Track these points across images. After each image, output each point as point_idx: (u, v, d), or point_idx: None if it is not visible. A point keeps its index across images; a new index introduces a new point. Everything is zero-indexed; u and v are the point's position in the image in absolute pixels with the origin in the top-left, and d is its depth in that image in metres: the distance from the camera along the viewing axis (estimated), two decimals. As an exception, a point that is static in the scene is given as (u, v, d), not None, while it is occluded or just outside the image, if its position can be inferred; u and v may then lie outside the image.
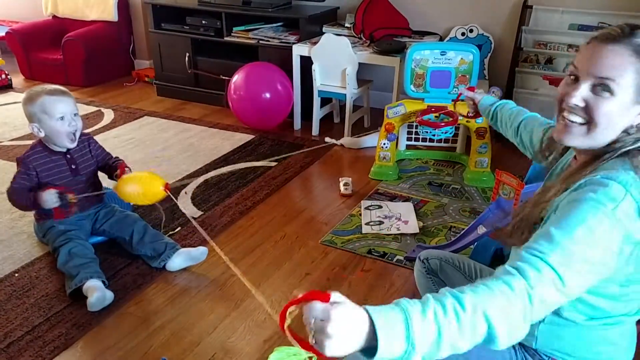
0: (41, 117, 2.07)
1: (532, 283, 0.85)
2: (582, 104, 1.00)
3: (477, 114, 1.77)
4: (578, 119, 1.01)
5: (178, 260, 2.14)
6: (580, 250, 0.89)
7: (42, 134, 2.10)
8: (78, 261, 2.03)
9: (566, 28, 3.29)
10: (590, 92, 0.99)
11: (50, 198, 2.02)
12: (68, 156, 2.18)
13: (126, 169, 2.23)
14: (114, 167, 2.29)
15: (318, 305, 0.77)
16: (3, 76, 4.37)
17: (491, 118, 1.64)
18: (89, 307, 1.90)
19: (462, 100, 1.85)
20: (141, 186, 1.51)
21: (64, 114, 2.08)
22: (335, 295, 0.78)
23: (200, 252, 2.17)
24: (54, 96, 2.08)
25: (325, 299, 0.77)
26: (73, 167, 2.19)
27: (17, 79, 4.63)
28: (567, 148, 1.19)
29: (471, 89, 1.80)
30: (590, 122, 1.00)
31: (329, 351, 0.76)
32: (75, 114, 2.12)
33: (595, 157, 1.02)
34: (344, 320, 0.75)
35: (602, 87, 0.97)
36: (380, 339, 0.75)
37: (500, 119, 1.60)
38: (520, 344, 1.13)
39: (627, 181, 0.94)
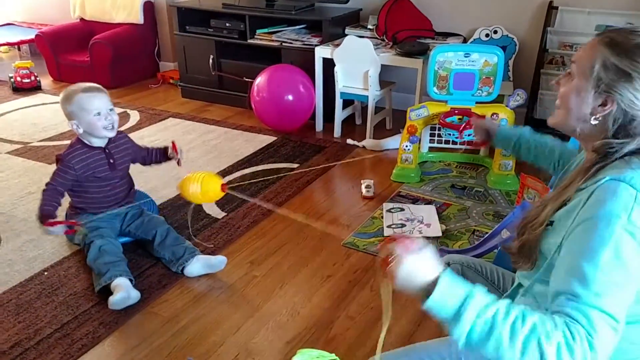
0: (79, 114, 2.14)
1: (590, 332, 0.85)
2: (557, 85, 1.12)
3: (484, 142, 1.69)
4: (557, 101, 1.12)
5: (196, 267, 2.16)
6: (614, 278, 0.89)
7: (80, 130, 2.18)
8: (108, 259, 2.08)
9: (592, 29, 3.23)
10: (565, 77, 1.10)
11: (55, 230, 2.05)
12: (107, 151, 2.25)
13: (177, 147, 2.36)
14: (163, 149, 2.41)
15: (407, 243, 0.94)
16: (32, 78, 4.48)
17: (513, 149, 1.57)
18: (111, 305, 1.95)
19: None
20: (201, 185, 1.57)
21: (100, 109, 2.15)
22: (422, 243, 0.95)
23: (219, 260, 2.18)
24: (90, 93, 2.15)
25: (415, 244, 0.95)
26: (111, 161, 2.26)
27: (46, 81, 4.74)
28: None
29: (481, 117, 1.74)
30: (559, 103, 1.10)
31: (396, 277, 0.93)
32: (110, 109, 2.19)
33: (596, 160, 1.03)
34: (417, 261, 0.92)
35: (570, 70, 1.07)
36: (436, 288, 0.89)
37: (527, 150, 1.54)
38: None
39: (635, 178, 0.94)
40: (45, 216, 2.07)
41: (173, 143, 2.41)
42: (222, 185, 1.60)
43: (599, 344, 0.84)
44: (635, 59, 0.98)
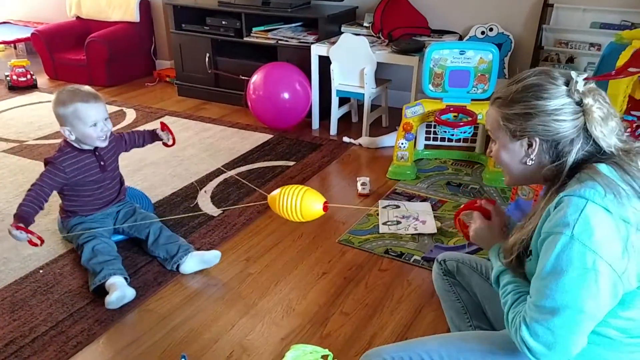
0: (74, 122, 2.10)
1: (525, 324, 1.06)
2: (490, 153, 1.26)
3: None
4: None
5: (191, 263, 2.15)
6: (572, 296, 1.00)
7: (72, 137, 2.15)
8: (102, 258, 2.08)
9: (588, 26, 3.24)
10: (492, 144, 1.25)
11: (18, 236, 1.96)
12: (97, 153, 2.23)
13: (166, 128, 2.38)
14: (151, 131, 2.41)
15: (478, 216, 1.35)
16: (28, 76, 4.48)
17: None
18: (107, 304, 1.95)
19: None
20: (300, 201, 1.39)
21: (97, 121, 2.12)
22: (493, 214, 1.34)
23: (214, 255, 2.19)
24: (87, 103, 2.09)
25: (486, 214, 1.35)
26: (102, 163, 2.25)
27: (42, 79, 4.73)
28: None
29: (491, 202, 1.45)
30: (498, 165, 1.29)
31: (472, 236, 1.36)
32: (106, 119, 2.16)
33: (549, 186, 1.14)
34: (482, 228, 1.33)
35: (491, 138, 1.23)
36: (491, 255, 1.29)
37: None
38: None
39: (583, 189, 1.02)
40: (21, 218, 2.00)
41: (162, 123, 2.42)
42: (325, 203, 1.42)
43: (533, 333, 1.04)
44: (523, 100, 1.12)
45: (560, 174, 1.11)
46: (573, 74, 1.11)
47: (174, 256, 2.15)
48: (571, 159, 1.10)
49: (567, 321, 1.00)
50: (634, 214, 1.00)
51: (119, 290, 1.96)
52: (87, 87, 2.20)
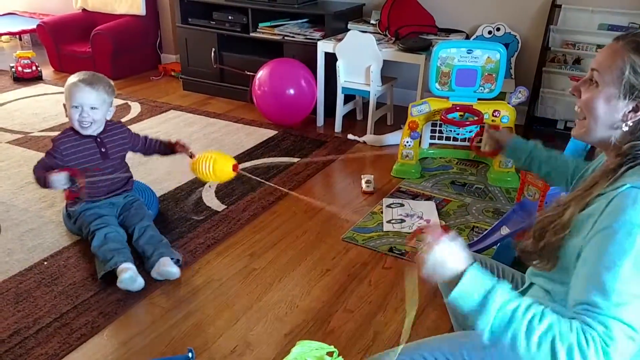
0: (66, 100, 2.16)
1: (607, 341, 0.85)
2: (576, 93, 1.08)
3: (494, 152, 1.66)
4: (577, 109, 1.08)
5: (154, 274, 2.08)
6: (634, 288, 0.88)
7: (66, 113, 2.19)
8: (113, 246, 2.09)
9: (595, 28, 3.23)
10: (585, 84, 1.06)
11: (59, 179, 2.04)
12: (98, 140, 2.24)
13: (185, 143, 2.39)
14: (167, 142, 2.42)
15: (438, 233, 0.98)
16: (33, 68, 4.47)
17: (525, 162, 1.51)
18: (119, 283, 1.96)
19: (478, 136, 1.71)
20: (213, 165, 1.62)
21: (80, 105, 2.13)
22: (453, 235, 0.99)
23: (169, 272, 2.06)
24: (81, 84, 2.12)
25: (445, 231, 1.00)
26: (103, 150, 2.25)
27: (47, 71, 4.73)
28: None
29: (496, 127, 1.66)
30: (581, 112, 1.07)
31: (425, 266, 0.97)
32: (92, 107, 2.14)
33: (620, 163, 1.01)
34: (446, 251, 0.96)
35: (591, 78, 1.04)
36: (462, 279, 0.93)
37: (539, 164, 1.48)
38: None
39: None
40: (43, 174, 2.08)
41: (178, 142, 2.39)
42: (234, 165, 1.63)
43: (614, 352, 0.85)
44: None
45: (638, 156, 0.99)
46: None
47: (149, 259, 2.11)
48: None
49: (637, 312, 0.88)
50: None
51: (132, 271, 1.97)
52: (97, 74, 2.21)
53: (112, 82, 2.26)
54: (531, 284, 1.22)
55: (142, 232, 2.20)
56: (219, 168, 1.65)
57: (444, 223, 1.22)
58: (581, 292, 0.92)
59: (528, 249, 1.13)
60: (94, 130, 2.21)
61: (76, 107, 2.13)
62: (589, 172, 1.22)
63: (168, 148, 2.43)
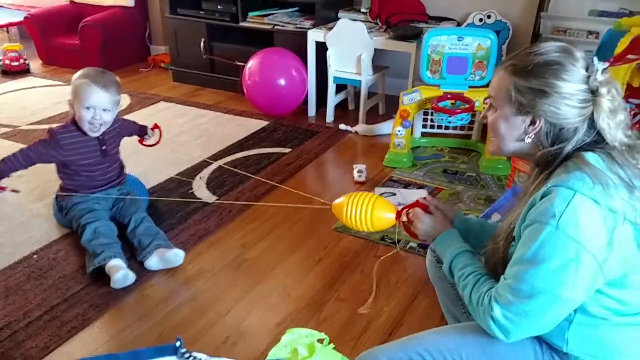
0: (74, 98, 2.12)
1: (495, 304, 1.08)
2: (484, 119, 1.21)
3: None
4: (489, 131, 1.27)
5: (154, 261, 2.07)
6: (551, 283, 1.00)
7: (72, 111, 2.16)
8: (103, 240, 2.07)
9: (586, 14, 3.23)
10: (489, 110, 1.19)
11: None
12: (100, 138, 2.22)
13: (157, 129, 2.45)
14: (142, 128, 2.47)
15: (419, 212, 1.34)
16: (21, 61, 4.42)
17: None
18: (113, 284, 1.94)
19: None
20: (370, 210, 1.32)
21: (93, 106, 2.10)
22: (432, 208, 1.34)
23: (174, 254, 2.08)
24: (94, 85, 2.08)
25: (425, 208, 1.34)
26: (103, 148, 2.24)
27: (35, 64, 4.68)
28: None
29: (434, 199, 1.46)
30: (490, 132, 1.21)
31: (419, 232, 1.34)
32: (105, 110, 2.13)
33: (540, 172, 1.12)
34: (425, 222, 1.33)
35: (491, 104, 1.18)
36: (440, 235, 1.31)
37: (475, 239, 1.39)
38: (548, 346, 1.12)
39: (572, 181, 1.00)
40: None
41: (156, 124, 2.46)
42: (398, 212, 1.34)
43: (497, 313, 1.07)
44: (542, 76, 1.06)
45: (554, 160, 1.09)
46: (595, 60, 1.07)
47: (144, 249, 2.09)
48: (570, 147, 1.08)
49: (542, 305, 1.02)
50: (622, 204, 1.00)
51: (123, 270, 1.96)
52: (110, 74, 2.18)
53: (119, 80, 2.23)
54: None
55: (138, 222, 2.19)
56: (379, 216, 1.33)
57: (423, 198, 1.35)
58: (507, 271, 1.08)
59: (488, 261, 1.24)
60: (102, 131, 2.19)
61: (88, 108, 2.10)
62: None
63: (140, 131, 2.49)
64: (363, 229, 1.35)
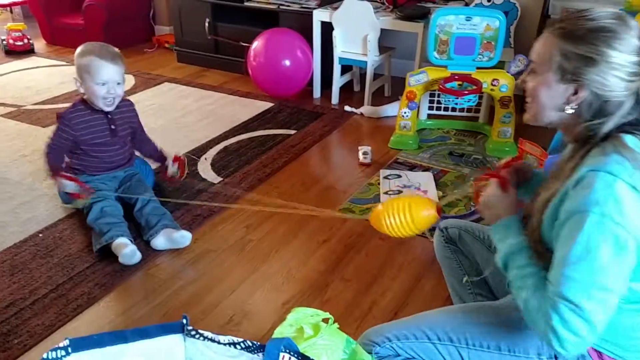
0: (84, 75, 2.10)
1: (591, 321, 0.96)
2: (523, 84, 1.15)
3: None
4: (527, 99, 1.14)
5: (160, 240, 2.08)
6: (604, 276, 0.94)
7: (82, 90, 2.15)
8: (110, 219, 2.07)
9: (597, -6, 3.16)
10: (529, 75, 1.12)
11: (69, 186, 2.11)
12: (109, 116, 2.22)
13: (181, 157, 2.38)
14: (162, 154, 2.40)
15: (494, 184, 1.20)
16: (25, 41, 4.40)
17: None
18: (122, 258, 1.95)
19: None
20: (408, 213, 1.25)
21: (106, 81, 2.10)
22: (512, 187, 1.20)
23: (180, 235, 2.08)
24: (103, 60, 2.08)
25: (504, 183, 1.20)
26: (112, 127, 2.23)
27: (39, 44, 4.66)
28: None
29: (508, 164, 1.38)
30: (529, 98, 1.13)
31: (481, 206, 1.22)
32: (118, 83, 2.13)
33: (577, 148, 1.06)
34: (495, 196, 1.19)
35: (532, 69, 1.11)
36: (497, 225, 1.17)
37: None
38: None
39: (610, 165, 0.96)
40: (55, 168, 2.12)
41: (177, 157, 2.38)
42: (438, 207, 1.28)
43: (573, 325, 0.95)
44: (593, 42, 0.99)
45: (593, 137, 1.03)
46: None
47: (151, 228, 2.10)
48: (611, 123, 1.01)
49: (599, 304, 0.95)
50: None
51: (131, 245, 1.97)
52: (113, 47, 2.17)
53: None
54: None
55: (145, 202, 2.19)
56: (417, 215, 1.26)
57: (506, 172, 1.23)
58: (559, 285, 0.97)
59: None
60: (116, 104, 2.19)
61: (103, 84, 2.09)
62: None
63: (160, 158, 2.42)
64: (409, 234, 1.28)
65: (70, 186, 2.11)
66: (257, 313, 1.79)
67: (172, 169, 2.37)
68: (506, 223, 1.14)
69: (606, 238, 0.93)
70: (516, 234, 1.11)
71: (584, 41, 1.00)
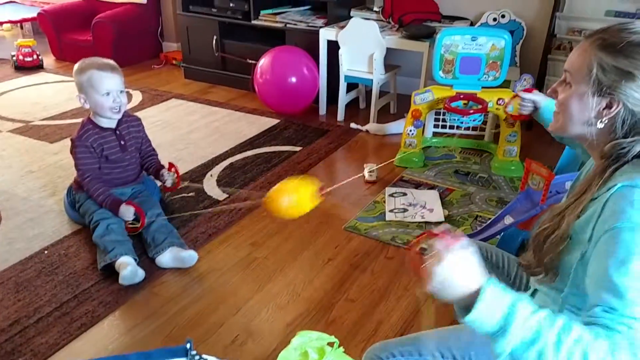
0: (88, 90, 2.13)
1: (632, 341, 0.81)
2: (554, 95, 1.09)
3: (526, 116, 1.72)
4: (556, 109, 1.10)
5: (166, 258, 2.08)
6: None
7: (87, 106, 2.18)
8: (115, 237, 2.08)
9: (602, 14, 3.18)
10: (561, 85, 1.08)
11: (127, 212, 2.16)
12: (117, 132, 2.25)
13: (173, 169, 2.39)
14: (156, 167, 2.40)
15: (449, 241, 0.84)
16: (34, 56, 4.45)
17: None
18: (121, 280, 1.94)
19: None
20: (295, 195, 1.36)
21: (110, 91, 2.14)
22: (465, 243, 0.84)
23: (188, 255, 2.08)
24: (103, 72, 2.13)
25: (457, 240, 0.84)
26: (122, 142, 2.26)
27: (48, 60, 4.70)
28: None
29: (529, 90, 1.71)
30: (557, 109, 1.09)
31: (433, 280, 0.82)
32: (121, 91, 2.18)
33: (606, 165, 1.00)
34: (460, 263, 0.82)
35: (565, 79, 1.06)
36: (479, 302, 0.80)
37: None
38: None
39: None
40: (115, 201, 2.15)
41: (170, 163, 2.41)
42: (320, 188, 1.38)
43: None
44: (633, 56, 0.96)
45: (625, 154, 0.98)
46: None
47: (157, 245, 2.10)
48: None
49: None
50: None
51: (132, 266, 1.97)
52: (106, 59, 2.21)
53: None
54: (535, 290, 1.19)
55: (154, 218, 2.20)
56: (302, 197, 1.38)
57: (453, 229, 0.91)
58: (596, 296, 0.88)
59: (530, 264, 1.11)
60: (122, 112, 2.22)
61: (107, 94, 2.13)
62: (580, 178, 1.20)
63: (156, 174, 2.41)
64: (298, 213, 1.36)
65: (129, 214, 2.15)
66: (262, 333, 1.78)
67: (169, 178, 2.37)
68: (492, 286, 0.82)
69: None
70: (507, 291, 0.83)
71: (625, 54, 0.96)
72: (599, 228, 0.93)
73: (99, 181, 2.20)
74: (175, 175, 2.39)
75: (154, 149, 2.46)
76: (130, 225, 2.18)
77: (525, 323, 0.80)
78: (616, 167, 0.98)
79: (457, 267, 0.82)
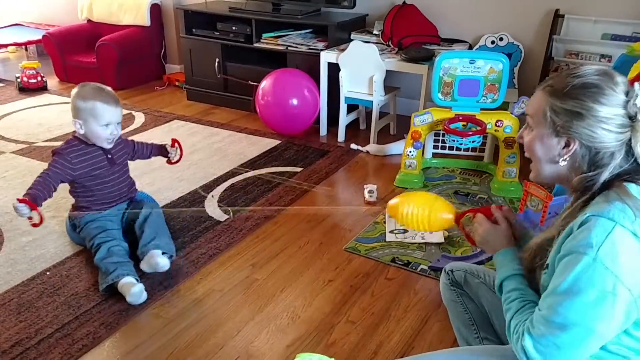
0: (88, 118, 2.16)
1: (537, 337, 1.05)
2: (521, 140, 1.22)
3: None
4: (526, 154, 1.21)
5: (144, 264, 2.13)
6: (586, 316, 0.98)
7: (82, 131, 2.20)
8: (116, 259, 2.10)
9: (599, 38, 3.23)
10: (525, 130, 1.20)
11: (20, 209, 1.98)
12: (104, 148, 2.27)
13: (176, 144, 2.46)
14: (160, 146, 2.48)
15: (482, 219, 1.34)
16: (39, 78, 4.50)
17: None
18: (130, 297, 1.96)
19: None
20: (428, 210, 1.34)
21: (110, 123, 2.18)
22: (499, 217, 1.33)
23: (158, 263, 2.08)
24: (107, 104, 2.15)
25: (489, 216, 1.34)
26: (109, 156, 2.28)
27: (52, 81, 4.76)
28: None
29: (500, 207, 1.44)
30: (528, 155, 1.20)
31: (477, 241, 1.35)
32: (118, 123, 2.22)
33: (578, 196, 1.11)
34: (487, 231, 1.32)
35: (528, 124, 1.18)
36: (495, 260, 1.29)
37: None
38: None
39: (613, 211, 0.99)
40: (30, 196, 2.02)
41: (174, 139, 2.47)
42: (458, 215, 1.37)
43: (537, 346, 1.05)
44: (579, 98, 1.06)
45: (592, 187, 1.07)
46: (637, 86, 1.05)
47: (144, 245, 2.15)
48: (607, 173, 1.06)
49: (575, 339, 1.00)
50: None
51: (139, 285, 1.99)
52: (109, 89, 2.24)
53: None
54: None
55: (147, 216, 2.25)
56: (436, 217, 1.36)
57: (495, 204, 1.41)
58: (541, 301, 1.07)
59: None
60: (113, 143, 2.26)
61: (106, 125, 2.17)
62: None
63: (161, 151, 2.50)
64: (420, 228, 1.39)
65: (23, 211, 1.97)
66: (262, 355, 1.78)
67: (174, 153, 2.48)
68: (502, 254, 1.26)
69: (594, 282, 0.97)
70: (510, 263, 1.23)
71: (571, 97, 1.07)
72: (566, 248, 1.03)
73: (46, 183, 2.10)
74: (179, 149, 2.48)
75: (145, 143, 2.50)
76: (31, 222, 2.05)
77: (508, 290, 1.19)
78: (586, 199, 1.07)
79: (494, 232, 1.30)
